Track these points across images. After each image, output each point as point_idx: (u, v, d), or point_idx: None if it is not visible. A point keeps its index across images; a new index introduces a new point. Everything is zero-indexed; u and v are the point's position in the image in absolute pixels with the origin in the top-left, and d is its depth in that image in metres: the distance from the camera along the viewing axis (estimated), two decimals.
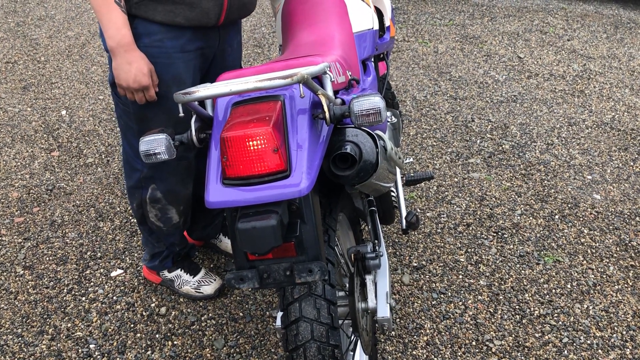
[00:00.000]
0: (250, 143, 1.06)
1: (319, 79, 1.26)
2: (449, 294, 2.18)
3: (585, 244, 2.44)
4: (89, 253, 2.36)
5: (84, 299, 2.15)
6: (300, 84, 1.02)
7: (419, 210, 2.65)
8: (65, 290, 2.18)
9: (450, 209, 2.65)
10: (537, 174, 2.90)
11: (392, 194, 2.01)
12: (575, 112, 3.50)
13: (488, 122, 3.38)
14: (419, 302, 2.14)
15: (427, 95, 3.70)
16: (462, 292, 2.19)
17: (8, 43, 4.42)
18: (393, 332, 2.02)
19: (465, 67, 4.08)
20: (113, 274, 2.25)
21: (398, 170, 1.83)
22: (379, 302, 1.60)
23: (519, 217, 2.59)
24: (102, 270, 2.28)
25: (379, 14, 2.29)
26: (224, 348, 1.95)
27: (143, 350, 1.94)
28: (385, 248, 2.39)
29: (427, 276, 2.27)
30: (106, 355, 1.93)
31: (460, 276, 2.27)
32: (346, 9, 1.90)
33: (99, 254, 2.36)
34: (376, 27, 2.09)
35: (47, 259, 2.34)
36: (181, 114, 1.12)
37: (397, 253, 2.39)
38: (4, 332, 2.01)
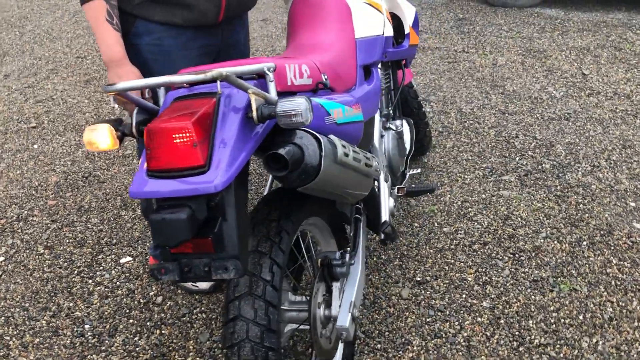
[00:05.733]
0: (171, 136, 1.08)
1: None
2: (447, 312, 2.10)
3: (611, 274, 2.26)
4: (105, 239, 2.48)
5: (90, 281, 2.25)
6: (218, 82, 1.03)
7: (437, 225, 2.57)
8: (75, 272, 2.30)
9: (470, 225, 2.55)
10: (574, 196, 2.72)
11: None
12: (634, 135, 3.26)
13: (533, 139, 3.22)
14: (413, 317, 2.08)
15: (474, 108, 3.58)
16: (461, 311, 2.10)
17: (83, 40, 4.73)
18: (378, 345, 1.97)
19: (521, 82, 3.92)
20: (122, 260, 2.35)
21: (383, 180, 1.78)
22: (341, 310, 1.57)
23: (542, 240, 2.44)
24: (113, 256, 2.38)
25: (399, 21, 2.25)
26: (207, 342, 1.98)
27: (131, 336, 2.01)
28: (371, 258, 2.34)
29: (428, 292, 2.19)
30: (97, 336, 2.01)
31: (464, 295, 2.17)
32: (350, 14, 1.89)
33: (115, 240, 2.47)
34: (388, 33, 2.06)
35: (67, 241, 2.47)
36: (112, 105, 1.16)
37: (403, 266, 2.33)
38: (13, 305, 2.15)
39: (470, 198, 2.73)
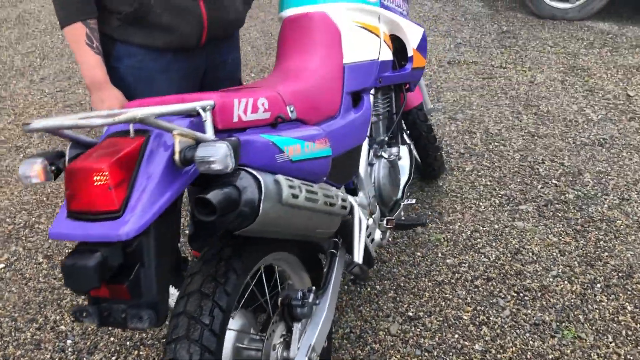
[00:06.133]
0: (89, 177, 1.03)
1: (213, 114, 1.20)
2: (435, 353, 1.98)
3: (623, 323, 2.09)
4: None
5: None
6: (131, 124, 0.98)
7: (440, 255, 2.44)
8: None
9: (475, 258, 2.41)
10: (595, 232, 2.54)
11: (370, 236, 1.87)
12: None
13: (560, 165, 3.03)
14: (398, 356, 1.97)
15: (502, 128, 3.41)
16: (450, 353, 1.98)
17: None
18: None
19: (558, 102, 3.71)
20: None
21: (357, 215, 1.68)
22: (299, 354, 1.49)
23: (551, 279, 2.28)
24: None
25: (401, 43, 2.14)
26: None
27: (109, 355, 2.00)
28: (365, 287, 2.24)
29: (418, 329, 2.08)
30: (77, 353, 2.01)
31: (456, 336, 2.05)
32: (339, 38, 1.81)
33: None
34: (384, 58, 1.97)
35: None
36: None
37: (397, 298, 2.22)
38: (3, 315, 2.18)
39: (481, 228, 2.59)
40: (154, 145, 1.10)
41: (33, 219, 2.73)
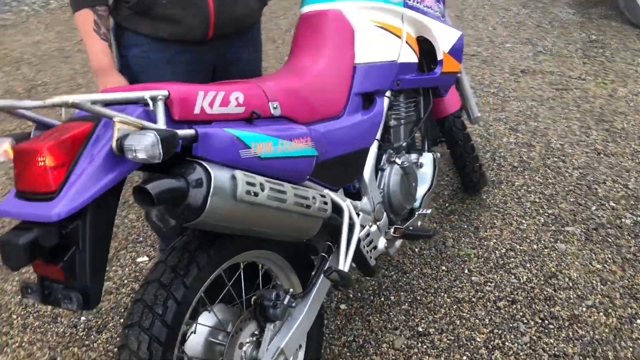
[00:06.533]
0: (32, 159, 1.06)
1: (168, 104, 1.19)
2: None
3: None
4: (134, 236, 2.58)
5: None
6: (63, 108, 1.00)
7: (467, 272, 2.31)
8: None
9: (504, 278, 2.25)
10: None
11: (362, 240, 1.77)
12: None
13: (623, 187, 2.77)
14: None
15: (565, 144, 3.17)
16: None
17: None
18: None
19: (636, 118, 3.40)
20: (138, 259, 2.42)
21: (347, 219, 1.60)
22: (266, 355, 1.46)
23: (584, 309, 2.09)
24: (133, 254, 2.46)
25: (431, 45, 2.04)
26: None
27: (116, 335, 2.06)
28: (379, 297, 2.15)
29: (425, 346, 1.98)
30: (87, 330, 2.09)
31: (465, 358, 1.93)
32: (352, 37, 1.76)
33: (141, 238, 2.55)
34: (405, 59, 1.88)
35: None
36: None
37: (410, 312, 2.12)
38: None
39: (518, 247, 2.42)
40: (101, 131, 1.12)
41: None
